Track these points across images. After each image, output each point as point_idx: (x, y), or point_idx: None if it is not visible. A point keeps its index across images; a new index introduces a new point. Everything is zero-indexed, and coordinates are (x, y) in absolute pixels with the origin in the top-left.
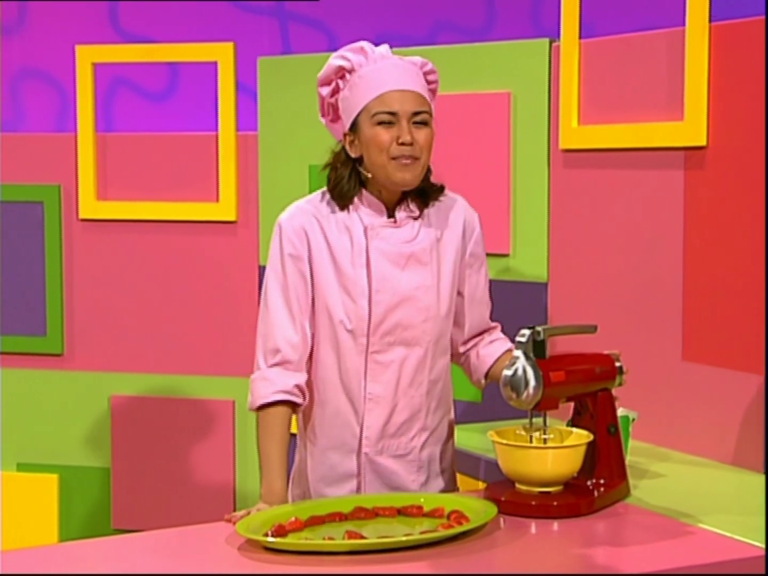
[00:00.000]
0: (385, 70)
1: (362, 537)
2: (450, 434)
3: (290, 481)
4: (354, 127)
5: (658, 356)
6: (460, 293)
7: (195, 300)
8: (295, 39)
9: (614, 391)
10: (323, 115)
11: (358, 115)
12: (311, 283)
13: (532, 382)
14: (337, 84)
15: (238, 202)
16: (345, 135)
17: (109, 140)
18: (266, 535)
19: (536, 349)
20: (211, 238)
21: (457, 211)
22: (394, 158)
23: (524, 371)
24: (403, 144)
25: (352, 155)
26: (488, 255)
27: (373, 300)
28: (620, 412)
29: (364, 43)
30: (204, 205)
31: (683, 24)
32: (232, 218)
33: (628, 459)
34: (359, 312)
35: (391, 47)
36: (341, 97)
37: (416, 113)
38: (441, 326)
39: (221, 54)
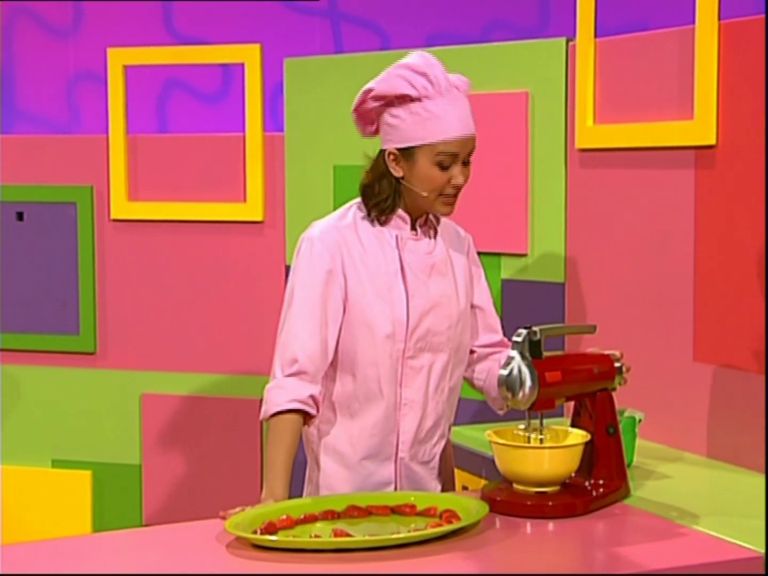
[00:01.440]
0: (452, 110)
1: (349, 535)
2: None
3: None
4: (406, 152)
5: (669, 357)
6: (471, 306)
7: (223, 299)
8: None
9: (619, 391)
10: (356, 111)
11: (417, 146)
12: (345, 298)
13: (528, 382)
14: (392, 102)
15: (265, 203)
16: (390, 153)
17: (140, 142)
18: (255, 532)
19: (532, 349)
20: (238, 238)
21: (456, 231)
22: (442, 195)
23: (520, 371)
24: (455, 186)
25: (395, 174)
26: (506, 255)
27: (410, 305)
28: (627, 413)
29: (423, 63)
30: (232, 205)
31: (694, 22)
32: (259, 218)
33: (635, 459)
34: (397, 317)
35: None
36: (394, 113)
37: (469, 153)
38: (460, 334)
39: (248, 55)
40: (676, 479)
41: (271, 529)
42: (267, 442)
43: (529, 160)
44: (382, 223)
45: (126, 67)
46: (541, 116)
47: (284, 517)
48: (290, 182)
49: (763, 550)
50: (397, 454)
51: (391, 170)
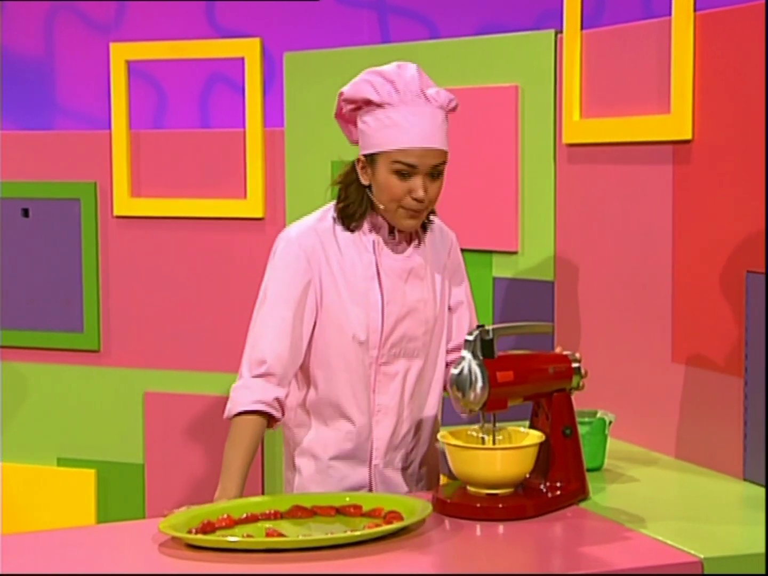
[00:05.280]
0: (415, 120)
1: (281, 535)
2: (435, 453)
3: None
4: (370, 158)
5: (647, 357)
6: (449, 308)
7: (225, 296)
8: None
9: (598, 391)
10: (338, 116)
11: (378, 153)
12: (320, 303)
13: (478, 383)
14: (360, 107)
15: (266, 199)
16: (359, 159)
17: (142, 138)
18: (191, 532)
19: (484, 349)
20: (239, 234)
21: (438, 231)
22: (402, 207)
23: (470, 371)
24: (415, 199)
25: (363, 182)
26: (497, 252)
27: (385, 311)
28: (598, 414)
29: (395, 71)
30: (232, 201)
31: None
32: (259, 215)
33: (606, 462)
34: (372, 324)
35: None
36: (363, 119)
37: (434, 166)
38: (437, 339)
39: (248, 50)
40: (644, 482)
41: (208, 528)
42: (227, 442)
43: (520, 156)
44: (351, 230)
45: (128, 62)
46: (531, 110)
47: (224, 516)
48: (290, 178)
49: (702, 555)
50: (371, 460)
51: (360, 178)
